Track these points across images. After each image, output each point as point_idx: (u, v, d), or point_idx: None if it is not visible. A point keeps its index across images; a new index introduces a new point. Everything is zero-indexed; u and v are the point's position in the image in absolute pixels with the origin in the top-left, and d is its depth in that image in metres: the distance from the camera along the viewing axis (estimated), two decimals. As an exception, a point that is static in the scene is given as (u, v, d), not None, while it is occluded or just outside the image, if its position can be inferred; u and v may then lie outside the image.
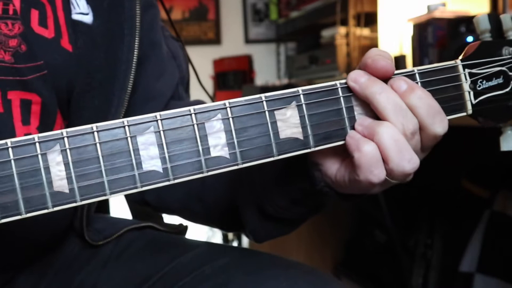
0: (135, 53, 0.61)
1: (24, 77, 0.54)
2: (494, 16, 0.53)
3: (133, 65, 0.61)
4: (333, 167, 0.48)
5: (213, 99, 0.95)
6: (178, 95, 0.71)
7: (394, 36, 1.82)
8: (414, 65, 1.55)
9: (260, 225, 0.58)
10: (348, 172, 0.46)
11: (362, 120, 0.45)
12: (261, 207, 0.56)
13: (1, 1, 0.54)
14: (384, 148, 0.43)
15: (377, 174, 0.43)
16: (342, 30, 2.12)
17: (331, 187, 0.49)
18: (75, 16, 0.60)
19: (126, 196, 0.75)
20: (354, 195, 0.50)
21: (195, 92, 1.13)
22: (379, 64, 0.45)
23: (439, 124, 0.45)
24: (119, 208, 0.80)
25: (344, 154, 0.47)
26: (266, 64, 3.15)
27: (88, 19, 0.60)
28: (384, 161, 0.43)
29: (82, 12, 0.60)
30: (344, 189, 0.48)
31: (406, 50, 1.70)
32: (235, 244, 2.34)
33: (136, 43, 0.61)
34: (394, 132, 0.43)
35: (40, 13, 0.56)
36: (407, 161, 0.43)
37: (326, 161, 0.48)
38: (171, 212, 0.72)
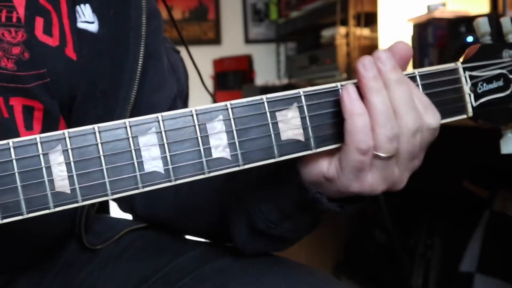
0: (140, 63, 0.60)
1: (26, 85, 0.54)
2: (494, 19, 0.53)
3: (137, 75, 0.60)
4: (323, 164, 0.46)
5: (215, 100, 0.95)
6: (175, 109, 0.70)
7: (394, 36, 1.82)
8: (414, 65, 1.55)
9: (250, 241, 0.57)
10: (338, 156, 0.45)
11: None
12: (251, 222, 0.55)
13: (5, 8, 0.54)
14: (376, 112, 0.43)
15: (366, 140, 0.43)
16: (342, 30, 2.12)
17: (321, 193, 0.48)
18: (80, 25, 0.60)
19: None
20: (347, 201, 0.49)
21: (196, 93, 1.12)
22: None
23: (431, 115, 0.46)
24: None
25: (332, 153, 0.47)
26: (266, 64, 3.15)
27: (93, 27, 0.60)
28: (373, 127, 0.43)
29: (87, 20, 0.60)
30: (335, 184, 0.46)
31: (406, 50, 1.70)
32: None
33: (141, 53, 0.60)
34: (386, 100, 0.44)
35: (45, 20, 0.56)
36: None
37: (315, 162, 0.47)
38: (157, 222, 0.71)
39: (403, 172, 0.47)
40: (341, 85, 0.46)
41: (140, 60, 0.60)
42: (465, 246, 1.54)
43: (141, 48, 0.61)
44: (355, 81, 0.45)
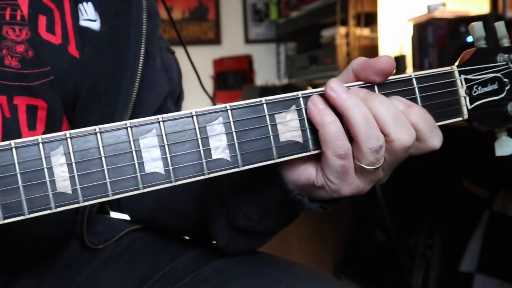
0: (141, 60, 0.61)
1: (30, 83, 0.54)
2: (489, 23, 0.54)
3: (139, 72, 0.61)
4: (312, 172, 0.47)
5: (213, 99, 0.95)
6: (166, 108, 0.71)
7: (394, 36, 1.83)
8: (414, 65, 1.56)
9: (230, 238, 0.57)
10: (320, 166, 0.46)
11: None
12: (231, 220, 0.55)
13: (9, 6, 0.54)
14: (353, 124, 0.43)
15: (342, 145, 0.43)
16: (342, 30, 2.13)
17: (303, 195, 0.48)
18: (82, 23, 0.60)
19: (106, 203, 0.76)
20: (329, 202, 0.50)
21: (196, 93, 1.12)
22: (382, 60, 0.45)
23: (437, 138, 0.47)
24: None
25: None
26: (266, 64, 3.15)
27: (95, 25, 0.60)
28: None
29: (90, 18, 0.60)
30: (326, 190, 0.47)
31: (406, 50, 1.71)
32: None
33: (142, 50, 0.61)
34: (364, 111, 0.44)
35: (48, 19, 0.57)
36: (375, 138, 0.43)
37: (303, 168, 0.47)
38: (140, 221, 0.73)
39: (389, 172, 0.48)
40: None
41: (141, 58, 0.61)
42: (465, 246, 1.54)
43: (142, 46, 0.61)
44: (321, 89, 0.45)
